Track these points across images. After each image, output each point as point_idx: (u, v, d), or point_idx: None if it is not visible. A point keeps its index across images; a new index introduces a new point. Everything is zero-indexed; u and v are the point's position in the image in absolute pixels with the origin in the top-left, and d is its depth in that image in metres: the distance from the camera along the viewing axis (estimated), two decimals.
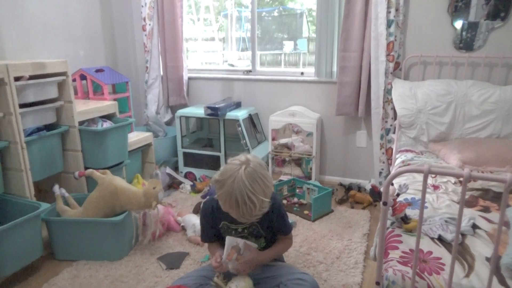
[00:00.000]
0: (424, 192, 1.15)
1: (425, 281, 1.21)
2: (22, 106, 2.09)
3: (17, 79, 2.05)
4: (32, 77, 2.13)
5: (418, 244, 1.18)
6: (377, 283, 1.24)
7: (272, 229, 1.68)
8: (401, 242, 1.42)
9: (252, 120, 3.23)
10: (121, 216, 2.07)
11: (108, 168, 2.43)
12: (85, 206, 2.15)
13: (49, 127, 2.32)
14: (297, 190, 2.83)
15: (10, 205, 2.08)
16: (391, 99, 2.69)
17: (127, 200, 2.10)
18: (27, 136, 2.13)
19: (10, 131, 2.03)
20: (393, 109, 2.72)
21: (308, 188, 2.75)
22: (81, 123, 2.45)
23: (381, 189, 1.39)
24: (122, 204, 2.11)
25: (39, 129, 2.24)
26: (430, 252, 1.35)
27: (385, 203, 1.17)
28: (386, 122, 2.81)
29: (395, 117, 2.73)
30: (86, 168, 2.44)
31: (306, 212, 2.57)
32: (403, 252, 1.36)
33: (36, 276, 1.97)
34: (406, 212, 1.53)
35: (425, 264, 1.28)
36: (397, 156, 2.48)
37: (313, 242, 2.24)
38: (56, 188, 2.24)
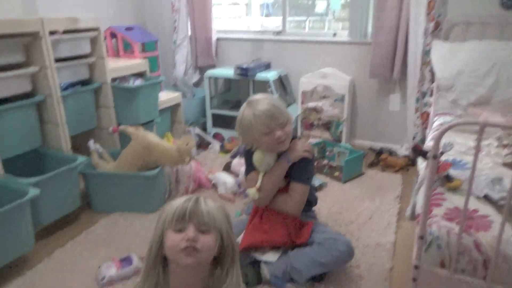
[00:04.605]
0: (478, 145, 1.10)
1: (471, 238, 1.19)
2: (57, 60, 2.10)
3: (51, 33, 2.05)
4: (65, 32, 2.12)
5: (468, 199, 1.14)
6: (421, 237, 1.22)
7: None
8: (444, 199, 1.38)
9: (282, 82, 3.18)
10: (155, 170, 2.09)
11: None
12: (119, 160, 2.18)
13: (82, 84, 2.33)
14: (327, 153, 2.79)
15: (49, 158, 2.13)
16: (429, 61, 2.58)
17: (160, 155, 2.12)
18: (62, 91, 2.15)
19: (46, 84, 2.05)
20: (431, 71, 2.61)
21: (338, 151, 2.71)
22: (112, 80, 2.45)
23: (424, 147, 1.34)
24: (155, 159, 2.13)
25: (73, 85, 2.25)
26: (476, 210, 1.32)
27: (435, 156, 1.13)
28: (423, 85, 2.70)
29: (432, 80, 2.62)
30: (118, 125, 2.47)
31: (336, 174, 2.55)
32: (447, 209, 1.33)
33: (74, 225, 2.04)
34: (449, 172, 1.49)
35: (472, 221, 1.25)
36: (434, 119, 2.40)
37: (344, 202, 2.23)
38: (91, 143, 2.27)
